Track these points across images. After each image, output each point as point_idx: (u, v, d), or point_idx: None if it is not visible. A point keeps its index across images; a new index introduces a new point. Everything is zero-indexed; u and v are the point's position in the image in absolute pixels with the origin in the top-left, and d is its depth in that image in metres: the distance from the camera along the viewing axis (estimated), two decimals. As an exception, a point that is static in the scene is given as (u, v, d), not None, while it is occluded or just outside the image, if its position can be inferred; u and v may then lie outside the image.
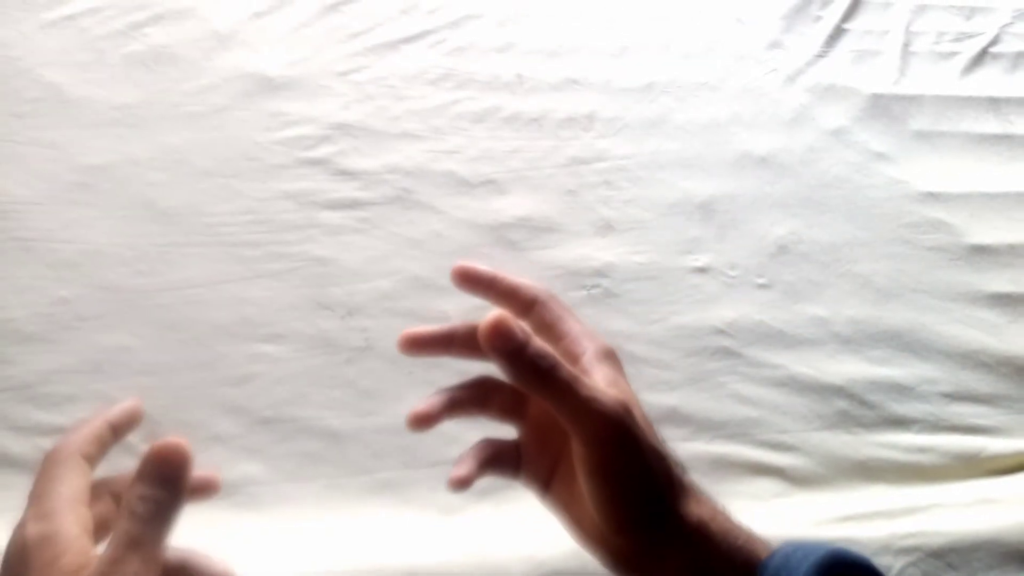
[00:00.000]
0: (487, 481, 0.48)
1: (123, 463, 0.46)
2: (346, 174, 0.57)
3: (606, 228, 0.58)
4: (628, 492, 0.30)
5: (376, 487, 0.47)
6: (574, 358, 0.33)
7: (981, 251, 0.61)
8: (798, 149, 0.64)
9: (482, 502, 0.47)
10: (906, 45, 0.72)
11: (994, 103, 0.69)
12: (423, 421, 0.32)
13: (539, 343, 0.30)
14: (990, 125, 0.68)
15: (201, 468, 0.46)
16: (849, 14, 0.72)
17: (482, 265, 0.36)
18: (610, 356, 0.34)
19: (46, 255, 0.51)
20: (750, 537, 0.32)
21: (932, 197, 0.63)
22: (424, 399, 0.32)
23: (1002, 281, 0.60)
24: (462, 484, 0.32)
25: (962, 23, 0.74)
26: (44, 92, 0.57)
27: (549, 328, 0.34)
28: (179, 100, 0.58)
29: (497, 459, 0.34)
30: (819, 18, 0.72)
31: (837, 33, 0.71)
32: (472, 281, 0.35)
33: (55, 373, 0.48)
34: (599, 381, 0.32)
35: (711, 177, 0.62)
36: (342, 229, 0.55)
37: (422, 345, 0.35)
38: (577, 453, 0.30)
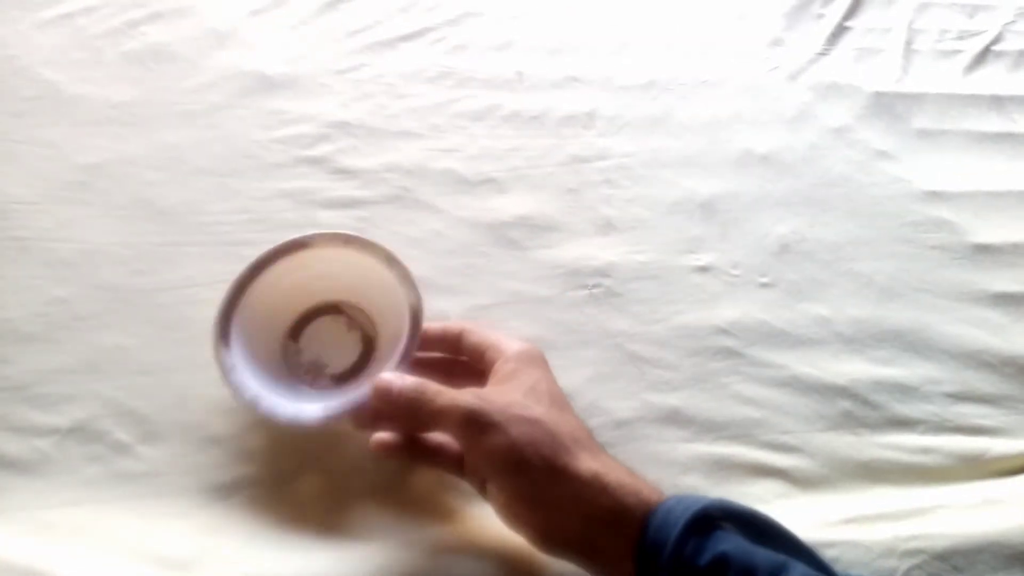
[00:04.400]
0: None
1: (122, 464, 0.46)
2: (345, 173, 0.57)
3: (607, 227, 0.58)
4: (499, 461, 0.37)
5: (376, 488, 0.46)
6: (491, 365, 0.43)
7: (985, 250, 0.61)
8: (800, 147, 0.64)
9: (482, 504, 0.47)
10: (908, 43, 0.71)
11: (997, 101, 0.69)
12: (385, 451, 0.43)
13: (410, 382, 0.39)
14: (993, 123, 0.68)
15: (200, 470, 0.46)
16: (851, 12, 0.72)
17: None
18: (523, 356, 0.43)
19: (43, 254, 0.51)
20: (643, 488, 0.37)
21: (935, 196, 0.63)
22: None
23: (1006, 280, 0.59)
24: (383, 447, 0.42)
25: (965, 21, 0.74)
26: (41, 90, 0.56)
27: (476, 346, 0.44)
28: (177, 98, 0.58)
29: (439, 453, 0.42)
30: (821, 16, 0.72)
31: (839, 31, 0.71)
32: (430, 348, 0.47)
33: (52, 373, 0.47)
34: (499, 380, 0.41)
35: (713, 175, 0.61)
36: (341, 228, 0.54)
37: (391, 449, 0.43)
38: (468, 456, 0.40)
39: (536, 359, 0.43)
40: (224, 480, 0.46)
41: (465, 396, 0.38)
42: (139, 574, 0.41)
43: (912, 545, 0.45)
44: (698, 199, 0.60)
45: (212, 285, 0.50)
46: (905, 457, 0.51)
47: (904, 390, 0.53)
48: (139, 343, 0.49)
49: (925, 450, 0.51)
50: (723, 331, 0.54)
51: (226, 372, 0.43)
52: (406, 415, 0.39)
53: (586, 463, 0.37)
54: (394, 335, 0.46)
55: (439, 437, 0.43)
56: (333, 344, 0.49)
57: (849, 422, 0.52)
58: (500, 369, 0.42)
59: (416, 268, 0.48)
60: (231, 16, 0.62)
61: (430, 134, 0.60)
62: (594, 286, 0.55)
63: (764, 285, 0.57)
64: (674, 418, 0.50)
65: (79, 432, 0.46)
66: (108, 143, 0.55)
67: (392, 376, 0.39)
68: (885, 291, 0.58)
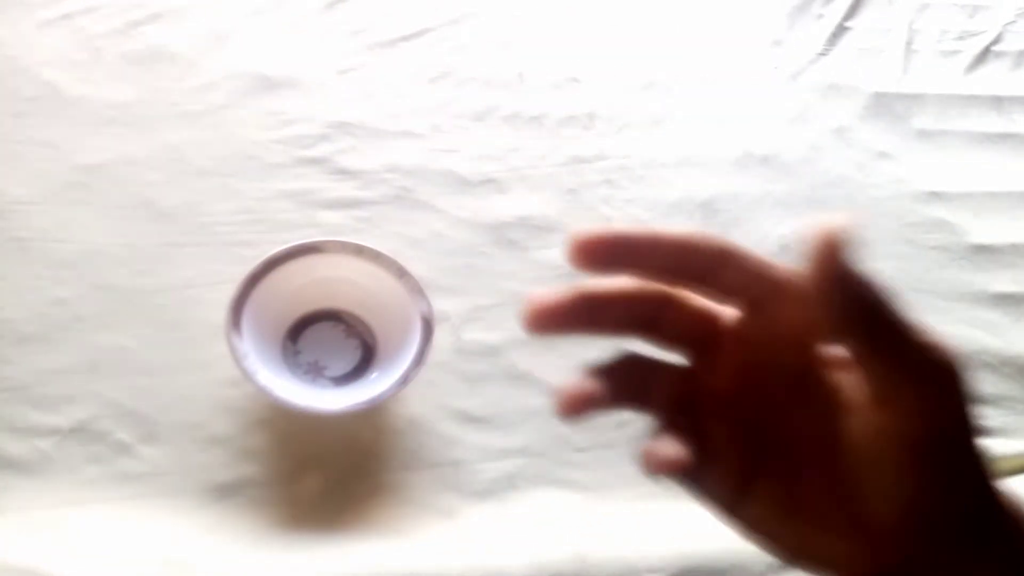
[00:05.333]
0: (486, 482, 0.48)
1: (123, 464, 0.46)
2: (345, 173, 0.57)
3: (607, 227, 0.58)
4: (955, 476, 0.21)
5: (376, 488, 0.46)
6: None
7: (984, 251, 0.61)
8: (800, 148, 0.64)
9: (482, 503, 0.47)
10: (909, 43, 0.71)
11: (997, 101, 0.69)
12: (577, 407, 0.22)
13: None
14: (993, 124, 0.68)
15: (201, 470, 0.46)
16: (851, 12, 0.72)
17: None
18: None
19: (43, 255, 0.51)
20: None
21: (935, 196, 0.63)
22: (576, 382, 0.22)
23: (1005, 281, 0.59)
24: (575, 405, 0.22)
25: (965, 21, 0.74)
26: (41, 91, 0.56)
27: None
28: (177, 99, 0.58)
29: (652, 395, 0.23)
30: (821, 16, 0.71)
31: (839, 31, 0.71)
32: (599, 256, 0.22)
33: (53, 373, 0.47)
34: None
35: (713, 176, 0.61)
36: (341, 229, 0.54)
37: (555, 321, 0.23)
38: (895, 415, 0.21)
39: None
40: (225, 480, 0.46)
41: (951, 347, 0.21)
42: (140, 573, 0.41)
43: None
44: (698, 199, 0.60)
45: (213, 285, 0.50)
46: (904, 457, 0.51)
47: (903, 390, 0.53)
48: (140, 343, 0.49)
49: (924, 450, 0.51)
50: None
51: (240, 358, 0.43)
52: (864, 306, 0.20)
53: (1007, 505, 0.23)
54: (400, 344, 0.46)
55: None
56: (331, 349, 0.49)
57: (848, 422, 0.52)
58: None
59: (416, 268, 0.48)
60: (231, 16, 0.62)
61: (430, 134, 0.60)
62: (594, 286, 0.55)
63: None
64: (674, 418, 0.50)
65: (80, 432, 0.46)
66: (108, 143, 0.55)
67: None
68: (885, 291, 0.58)
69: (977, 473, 0.22)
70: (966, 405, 0.21)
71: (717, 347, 0.23)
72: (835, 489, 0.22)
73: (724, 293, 0.23)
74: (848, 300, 0.20)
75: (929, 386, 0.21)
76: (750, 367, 0.23)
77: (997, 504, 0.22)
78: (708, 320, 0.24)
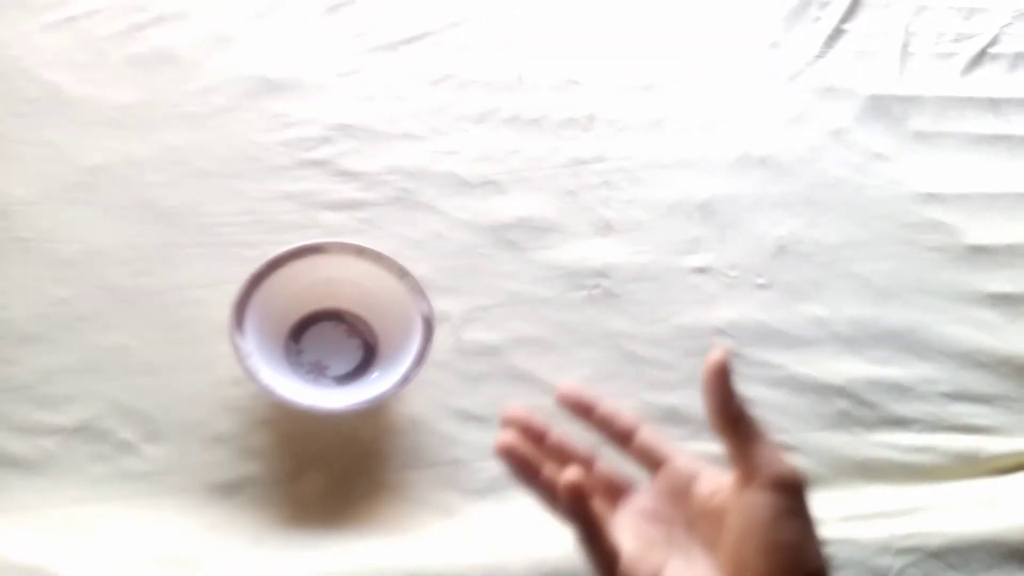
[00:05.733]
0: (486, 480, 0.48)
1: (127, 463, 0.46)
2: (347, 175, 0.57)
3: (606, 228, 0.58)
4: (797, 550, 0.30)
5: (377, 487, 0.47)
6: (691, 476, 0.34)
7: (980, 251, 0.61)
8: (798, 149, 0.64)
9: (482, 501, 0.47)
10: (905, 45, 0.71)
11: (993, 103, 0.69)
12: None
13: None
14: (989, 125, 0.68)
15: (203, 469, 0.46)
16: (848, 15, 0.72)
17: (585, 392, 0.36)
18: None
19: (46, 255, 0.51)
20: None
21: (931, 197, 0.63)
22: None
23: (1001, 281, 0.60)
24: (509, 452, 0.33)
25: (961, 23, 0.74)
26: (44, 92, 0.57)
27: (652, 452, 0.35)
28: (179, 101, 0.58)
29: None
30: (818, 19, 0.72)
31: (836, 33, 0.71)
32: (573, 406, 0.36)
33: (55, 373, 0.48)
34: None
35: (711, 177, 0.62)
36: (343, 230, 0.55)
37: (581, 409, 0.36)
38: (751, 503, 0.30)
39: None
40: (228, 479, 0.46)
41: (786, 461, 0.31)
42: (143, 572, 0.42)
43: (907, 543, 0.45)
44: (696, 200, 0.60)
45: (214, 286, 0.51)
46: (901, 456, 0.51)
47: (900, 390, 0.54)
48: (142, 343, 0.49)
49: (921, 449, 0.52)
50: (721, 331, 0.55)
51: (243, 357, 0.43)
52: (732, 416, 0.31)
53: None
54: (400, 344, 0.46)
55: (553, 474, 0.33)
56: (333, 348, 0.49)
57: (846, 421, 0.52)
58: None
59: (417, 269, 0.48)
60: (234, 19, 0.62)
61: (431, 136, 0.60)
62: (593, 287, 0.56)
63: (762, 286, 0.57)
64: (672, 417, 0.51)
65: (83, 431, 0.46)
66: (111, 145, 0.56)
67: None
68: (882, 292, 0.58)
69: (817, 554, 0.30)
70: (805, 498, 0.30)
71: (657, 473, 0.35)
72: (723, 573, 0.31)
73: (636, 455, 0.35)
74: (724, 408, 0.31)
75: (780, 470, 0.30)
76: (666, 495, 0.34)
77: None
78: (619, 481, 0.35)
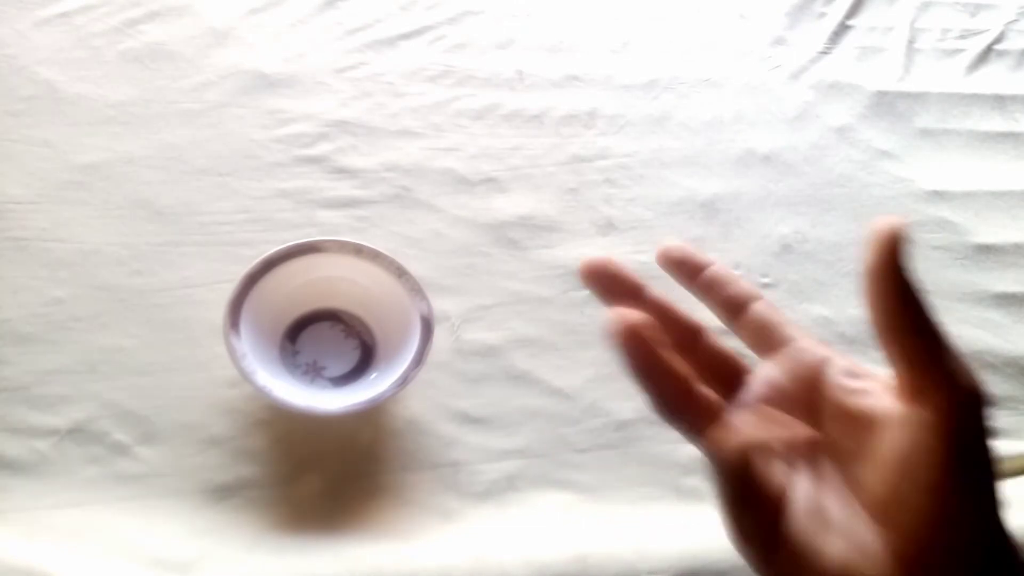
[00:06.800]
0: (486, 483, 0.48)
1: (121, 465, 0.46)
2: (344, 172, 0.57)
3: (608, 227, 0.58)
4: (975, 509, 0.22)
5: (375, 489, 0.46)
6: (822, 361, 0.26)
7: (986, 250, 0.60)
8: (802, 147, 0.63)
9: (482, 504, 0.47)
10: (910, 42, 0.71)
11: (999, 100, 0.69)
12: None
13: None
14: (995, 123, 0.67)
15: (199, 471, 0.45)
16: (853, 10, 0.72)
17: (692, 251, 0.30)
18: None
19: (41, 255, 0.51)
20: None
21: (937, 195, 0.62)
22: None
23: (1008, 281, 0.59)
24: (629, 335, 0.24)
25: (967, 20, 0.73)
26: (39, 90, 0.56)
27: (769, 329, 0.28)
28: (175, 97, 0.58)
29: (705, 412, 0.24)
30: (823, 14, 0.71)
31: (841, 30, 0.70)
32: (677, 266, 0.30)
33: (50, 374, 0.47)
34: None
35: (714, 175, 0.61)
36: (340, 228, 0.54)
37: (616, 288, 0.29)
38: (925, 425, 0.22)
39: None
40: (223, 481, 0.45)
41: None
42: (138, 575, 0.41)
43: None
44: (699, 199, 0.60)
45: (211, 285, 0.50)
46: (907, 458, 0.51)
47: (906, 391, 0.53)
48: (138, 344, 0.49)
49: (927, 451, 0.51)
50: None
51: (238, 359, 0.43)
52: (910, 311, 0.22)
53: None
54: (399, 344, 0.46)
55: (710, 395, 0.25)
56: (330, 349, 0.49)
57: (850, 423, 0.52)
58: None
59: (416, 268, 0.48)
60: (229, 15, 0.62)
61: (430, 133, 0.59)
62: (594, 286, 0.55)
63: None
64: (675, 419, 0.50)
65: (78, 433, 0.46)
66: (106, 143, 0.55)
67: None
68: (887, 291, 0.58)
69: (993, 506, 0.22)
70: (986, 431, 0.22)
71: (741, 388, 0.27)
72: (865, 503, 0.23)
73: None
74: (898, 300, 0.22)
75: (962, 390, 0.22)
76: (776, 402, 0.26)
77: (1010, 544, 0.22)
78: (731, 362, 0.28)
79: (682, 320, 0.29)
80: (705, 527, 0.43)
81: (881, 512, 0.22)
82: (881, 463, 0.23)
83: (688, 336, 0.29)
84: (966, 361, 0.22)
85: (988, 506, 0.22)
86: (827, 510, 0.23)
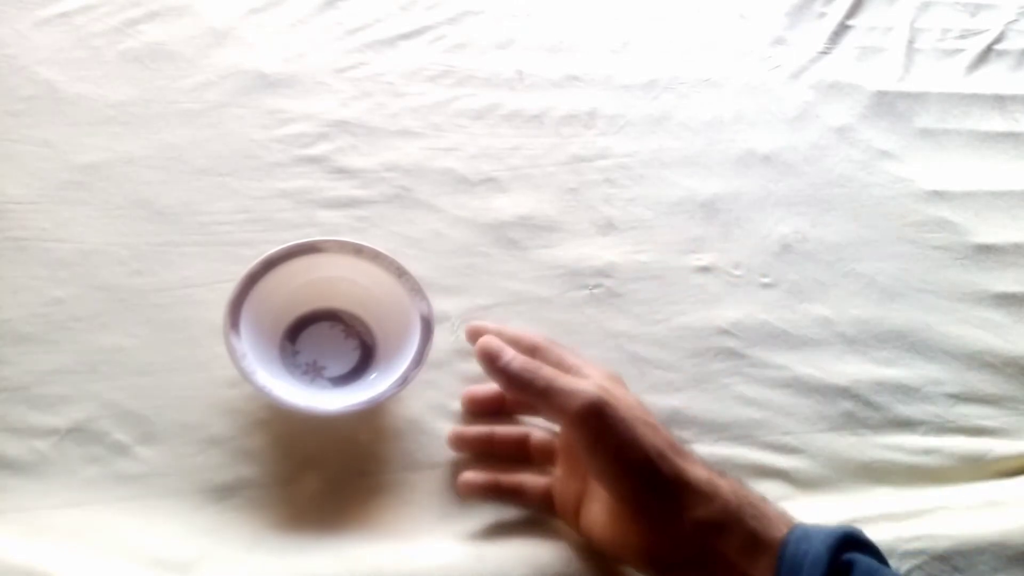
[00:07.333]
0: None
1: (121, 465, 0.46)
2: (344, 172, 0.57)
3: (608, 227, 0.58)
4: (622, 459, 0.34)
5: (375, 489, 0.46)
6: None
7: (987, 250, 0.60)
8: (802, 147, 0.63)
9: (483, 504, 0.47)
10: (910, 42, 0.71)
11: (1000, 100, 0.69)
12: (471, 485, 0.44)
13: (523, 359, 0.37)
14: (996, 123, 0.68)
15: (199, 472, 0.45)
16: (853, 10, 0.72)
17: (488, 323, 0.45)
18: (613, 377, 0.41)
19: (41, 254, 0.51)
20: (760, 503, 0.35)
21: (937, 195, 0.62)
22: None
23: (1008, 281, 0.59)
24: (469, 487, 0.43)
25: (967, 20, 0.74)
26: (38, 90, 0.56)
27: (555, 366, 0.39)
28: (175, 97, 0.58)
29: (522, 491, 0.43)
30: (823, 14, 0.71)
31: (841, 30, 0.70)
32: (478, 335, 0.42)
33: (50, 374, 0.47)
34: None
35: (714, 175, 0.61)
36: (340, 228, 0.54)
37: (467, 444, 0.45)
38: (571, 440, 0.36)
39: (621, 382, 0.42)
40: (223, 481, 0.45)
41: (587, 384, 0.36)
42: (137, 575, 0.41)
43: (913, 546, 0.45)
44: (699, 199, 0.60)
45: (211, 285, 0.50)
46: (907, 458, 0.51)
47: (906, 391, 0.53)
48: (138, 343, 0.49)
49: (927, 451, 0.51)
50: (724, 332, 0.54)
51: (238, 359, 0.43)
52: (517, 386, 0.37)
53: (698, 471, 0.35)
54: (399, 344, 0.46)
55: (520, 477, 0.43)
56: (330, 349, 0.49)
57: (851, 423, 0.52)
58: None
59: (416, 268, 0.48)
60: (229, 15, 0.62)
61: (430, 133, 0.59)
62: (595, 286, 0.55)
63: (766, 285, 0.57)
64: (675, 419, 0.50)
65: (78, 433, 0.46)
66: (106, 142, 0.55)
67: (499, 343, 0.39)
68: (887, 291, 0.58)
69: (645, 445, 0.35)
70: (609, 409, 0.35)
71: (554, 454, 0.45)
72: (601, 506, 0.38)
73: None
74: (508, 381, 0.38)
75: (571, 405, 0.35)
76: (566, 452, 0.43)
77: (686, 464, 0.35)
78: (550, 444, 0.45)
79: (512, 434, 0.45)
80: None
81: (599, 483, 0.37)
82: (576, 459, 0.39)
83: (520, 441, 0.45)
84: (585, 383, 0.36)
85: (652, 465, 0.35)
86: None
